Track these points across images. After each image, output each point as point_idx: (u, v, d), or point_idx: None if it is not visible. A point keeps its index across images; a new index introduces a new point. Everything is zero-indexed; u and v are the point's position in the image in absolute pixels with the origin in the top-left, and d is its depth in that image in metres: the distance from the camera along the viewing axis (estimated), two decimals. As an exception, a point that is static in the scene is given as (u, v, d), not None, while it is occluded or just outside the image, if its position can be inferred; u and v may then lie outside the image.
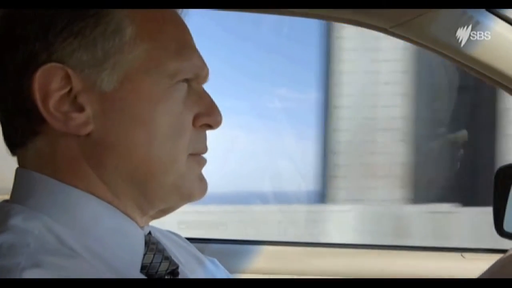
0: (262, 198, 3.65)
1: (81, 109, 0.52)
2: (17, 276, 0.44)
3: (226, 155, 3.45)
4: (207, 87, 0.60)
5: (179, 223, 1.89)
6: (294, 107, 4.49)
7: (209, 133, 0.60)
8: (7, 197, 0.55)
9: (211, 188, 0.60)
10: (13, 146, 0.55)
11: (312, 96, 4.19)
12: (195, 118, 0.56)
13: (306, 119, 4.24)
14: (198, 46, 0.59)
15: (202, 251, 0.72)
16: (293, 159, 3.85)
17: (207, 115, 0.57)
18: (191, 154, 0.56)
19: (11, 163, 0.57)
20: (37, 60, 0.51)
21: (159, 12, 0.55)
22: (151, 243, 0.56)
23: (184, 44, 0.57)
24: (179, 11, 0.59)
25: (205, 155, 0.60)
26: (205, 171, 0.59)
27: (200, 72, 0.58)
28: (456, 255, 1.23)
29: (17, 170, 0.55)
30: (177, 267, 0.58)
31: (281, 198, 3.65)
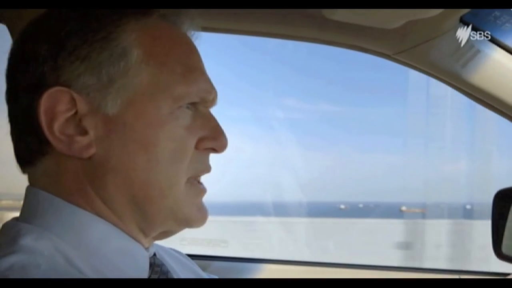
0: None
1: (84, 132, 0.52)
2: None
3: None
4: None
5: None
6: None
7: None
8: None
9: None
10: (23, 163, 0.56)
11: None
12: (199, 141, 0.55)
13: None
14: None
15: (205, 268, 0.72)
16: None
17: (212, 139, 0.57)
18: (189, 179, 0.55)
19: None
20: (46, 81, 0.51)
21: (166, 35, 0.55)
22: (156, 266, 0.57)
23: (191, 67, 0.56)
24: (191, 34, 0.59)
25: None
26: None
27: (207, 96, 0.57)
28: (454, 277, 1.24)
29: (27, 188, 0.56)
30: None
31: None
